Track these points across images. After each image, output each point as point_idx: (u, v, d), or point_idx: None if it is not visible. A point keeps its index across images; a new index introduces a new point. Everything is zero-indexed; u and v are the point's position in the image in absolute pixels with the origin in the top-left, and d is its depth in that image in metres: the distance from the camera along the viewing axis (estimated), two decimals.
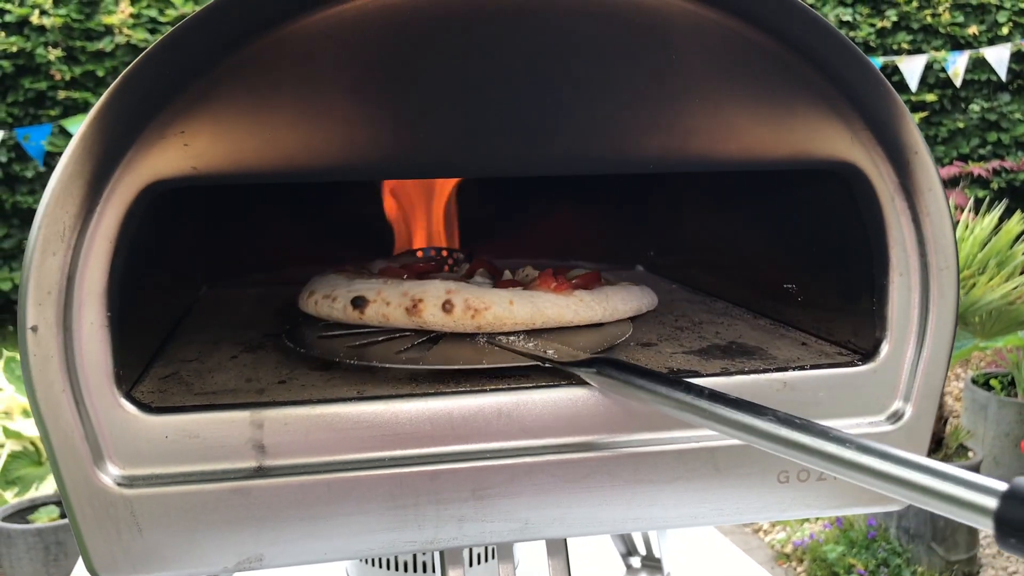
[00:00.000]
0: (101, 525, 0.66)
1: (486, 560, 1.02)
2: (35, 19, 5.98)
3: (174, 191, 0.68)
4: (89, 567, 0.66)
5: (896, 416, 0.78)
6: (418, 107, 0.67)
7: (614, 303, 0.93)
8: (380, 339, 0.85)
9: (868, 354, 0.79)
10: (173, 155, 0.65)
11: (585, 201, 1.35)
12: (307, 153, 0.67)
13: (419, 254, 1.31)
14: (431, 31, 0.67)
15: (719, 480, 0.74)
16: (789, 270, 0.93)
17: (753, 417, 0.60)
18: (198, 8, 0.65)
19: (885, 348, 0.78)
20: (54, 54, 6.03)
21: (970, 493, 0.49)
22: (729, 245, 1.10)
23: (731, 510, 0.75)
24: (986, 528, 0.47)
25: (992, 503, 0.47)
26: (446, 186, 1.29)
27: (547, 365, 0.76)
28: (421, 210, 1.29)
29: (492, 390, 0.72)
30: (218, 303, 1.17)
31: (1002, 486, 0.48)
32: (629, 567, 1.51)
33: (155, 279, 0.89)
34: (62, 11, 6.03)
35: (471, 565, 1.04)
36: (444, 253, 1.31)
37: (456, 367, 0.77)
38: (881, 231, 0.76)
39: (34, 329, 0.63)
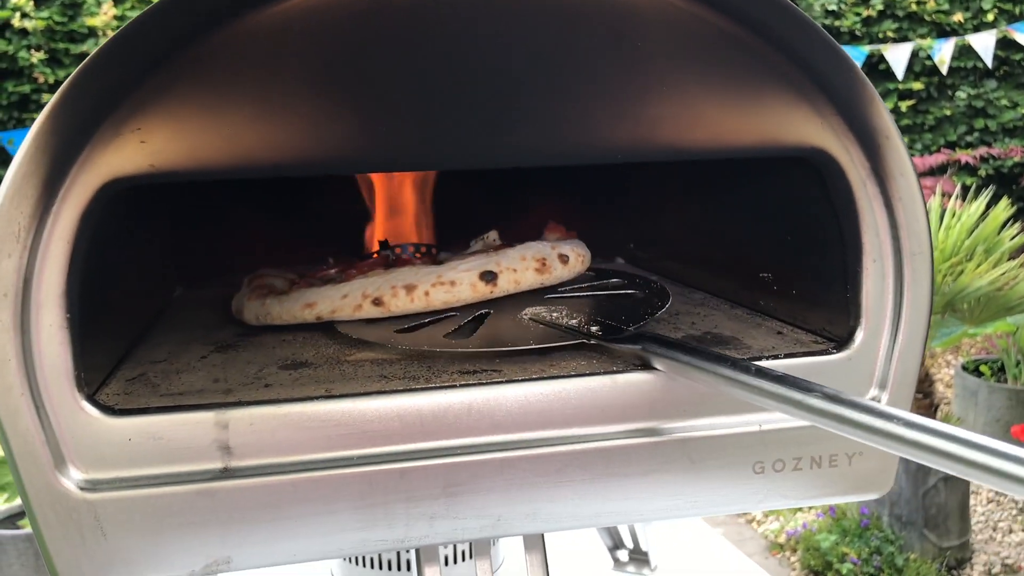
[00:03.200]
0: (64, 531, 0.65)
1: (467, 558, 1.01)
2: (16, 22, 5.93)
3: (135, 189, 0.66)
4: (53, 573, 0.65)
5: None
6: (379, 100, 0.66)
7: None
8: (427, 321, 0.85)
9: (843, 342, 0.78)
10: (130, 153, 0.64)
11: (565, 194, 1.34)
12: (266, 149, 0.65)
13: (397, 250, 1.30)
14: (393, 22, 0.66)
15: (694, 472, 0.73)
16: (765, 259, 0.92)
17: (797, 392, 0.60)
18: None
19: (860, 336, 0.77)
20: (37, 57, 5.99)
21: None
22: (707, 235, 1.09)
23: (706, 502, 0.74)
24: None
25: None
26: (426, 181, 1.28)
27: (592, 342, 0.77)
28: (399, 206, 1.28)
29: (462, 386, 0.71)
30: (194, 304, 1.15)
31: None
32: (616, 560, 1.50)
33: (121, 280, 0.88)
34: (44, 14, 5.99)
35: (454, 562, 1.03)
36: (423, 249, 1.30)
37: (508, 348, 0.77)
38: (853, 217, 0.75)
39: None
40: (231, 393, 0.72)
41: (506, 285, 0.88)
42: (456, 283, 0.85)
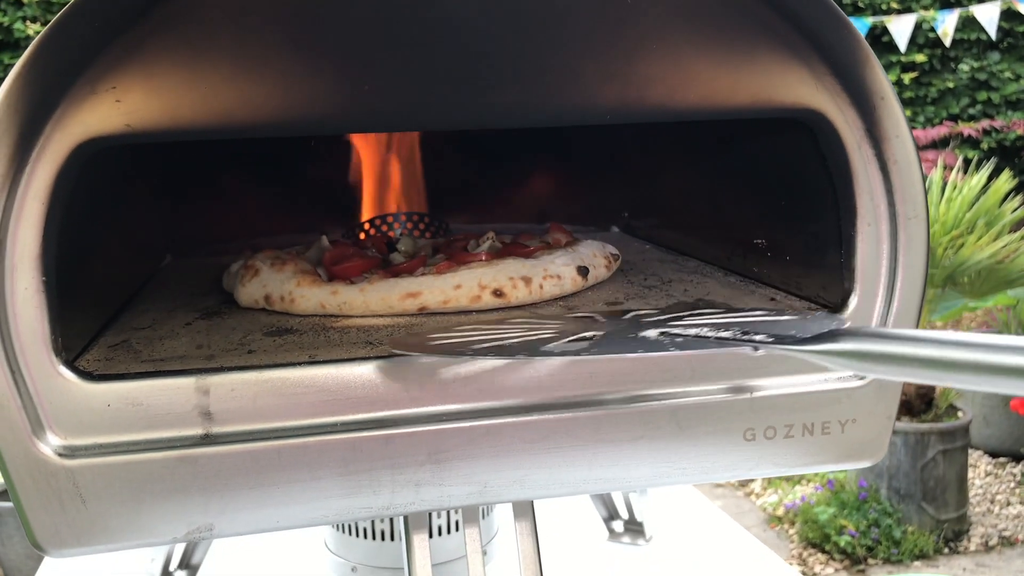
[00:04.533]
0: (43, 497, 0.64)
1: (459, 528, 1.00)
2: None
3: (117, 152, 0.65)
4: (32, 541, 0.64)
5: None
6: (357, 58, 0.64)
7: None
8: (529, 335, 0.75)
9: (836, 308, 0.77)
10: (105, 112, 0.62)
11: (560, 162, 1.32)
12: (246, 108, 0.64)
13: (390, 219, 1.28)
14: None
15: (682, 439, 0.72)
16: (759, 224, 0.91)
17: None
18: None
19: (854, 301, 0.76)
20: (32, 28, 5.94)
21: None
22: (701, 202, 1.07)
23: (695, 469, 0.73)
24: None
25: None
26: (413, 147, 1.26)
27: (759, 352, 0.62)
28: (388, 173, 1.26)
29: None
30: (183, 272, 1.14)
31: None
32: (612, 531, 1.50)
33: (105, 244, 0.87)
34: None
35: (447, 532, 1.03)
36: (415, 218, 1.29)
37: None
38: (848, 180, 0.74)
39: None
40: (213, 359, 0.70)
41: (591, 280, 0.93)
42: (561, 277, 0.89)
